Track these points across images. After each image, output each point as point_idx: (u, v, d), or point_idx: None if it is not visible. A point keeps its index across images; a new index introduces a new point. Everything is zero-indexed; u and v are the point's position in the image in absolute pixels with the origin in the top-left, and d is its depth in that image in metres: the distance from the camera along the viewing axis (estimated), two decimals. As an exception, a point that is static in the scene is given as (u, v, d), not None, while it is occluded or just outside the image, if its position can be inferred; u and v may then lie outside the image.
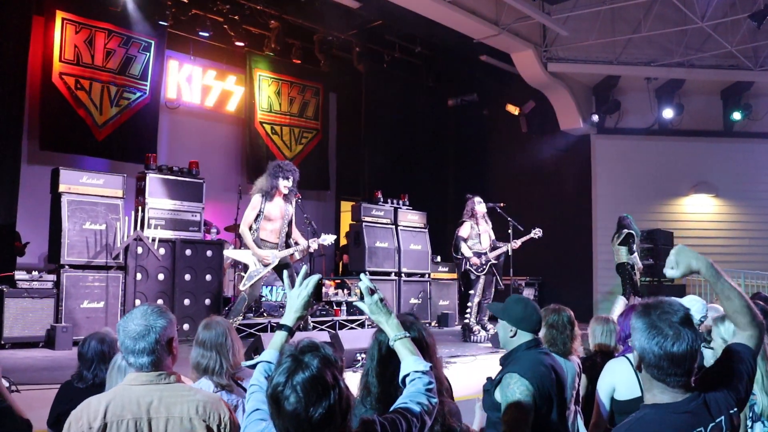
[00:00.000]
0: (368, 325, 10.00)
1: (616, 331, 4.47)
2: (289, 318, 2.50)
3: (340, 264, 13.22)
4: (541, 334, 3.99)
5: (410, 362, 2.38)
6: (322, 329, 8.32)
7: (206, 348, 3.45)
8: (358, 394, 2.64)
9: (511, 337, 3.27)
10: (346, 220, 13.73)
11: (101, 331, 3.80)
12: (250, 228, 7.52)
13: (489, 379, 3.29)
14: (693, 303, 5.08)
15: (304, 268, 2.61)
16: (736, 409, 2.15)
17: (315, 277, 2.56)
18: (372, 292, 2.49)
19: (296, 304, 2.51)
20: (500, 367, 3.32)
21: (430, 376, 2.35)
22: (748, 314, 2.28)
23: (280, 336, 2.46)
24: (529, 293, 13.37)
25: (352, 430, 1.96)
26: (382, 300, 2.50)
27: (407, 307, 11.25)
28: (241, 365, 3.55)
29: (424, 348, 2.59)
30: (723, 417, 2.11)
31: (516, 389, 3.03)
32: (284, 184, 7.54)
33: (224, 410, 2.48)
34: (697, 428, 2.06)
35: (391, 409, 2.22)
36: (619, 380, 3.70)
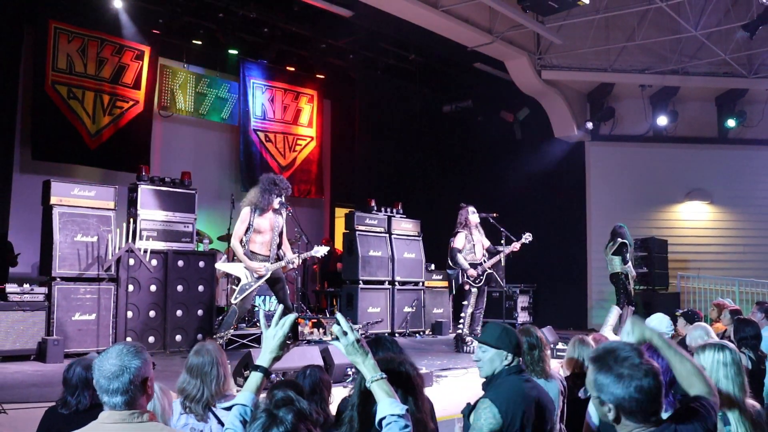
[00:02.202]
0: (362, 335, 10.01)
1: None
2: (264, 359, 2.50)
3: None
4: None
5: (386, 405, 2.37)
6: (312, 341, 8.34)
7: (192, 375, 3.51)
8: (341, 426, 2.63)
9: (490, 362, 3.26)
10: (340, 227, 13.72)
11: (87, 357, 3.81)
12: (241, 241, 7.52)
13: (468, 404, 3.28)
14: (660, 320, 5.13)
15: (280, 308, 2.60)
16: None
17: (291, 317, 2.55)
18: (346, 334, 2.49)
19: (272, 344, 2.51)
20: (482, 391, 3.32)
21: (406, 420, 2.34)
22: (701, 376, 2.35)
23: (255, 377, 2.46)
24: (523, 301, 13.37)
25: None
26: (358, 341, 2.49)
27: (401, 315, 11.25)
28: (228, 391, 3.57)
29: (412, 388, 2.58)
30: None
31: (482, 415, 3.02)
32: (278, 202, 7.56)
33: None
34: None
35: None
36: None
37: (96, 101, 10.93)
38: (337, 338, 2.52)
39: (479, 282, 9.47)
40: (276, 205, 7.62)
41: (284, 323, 2.51)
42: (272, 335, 2.51)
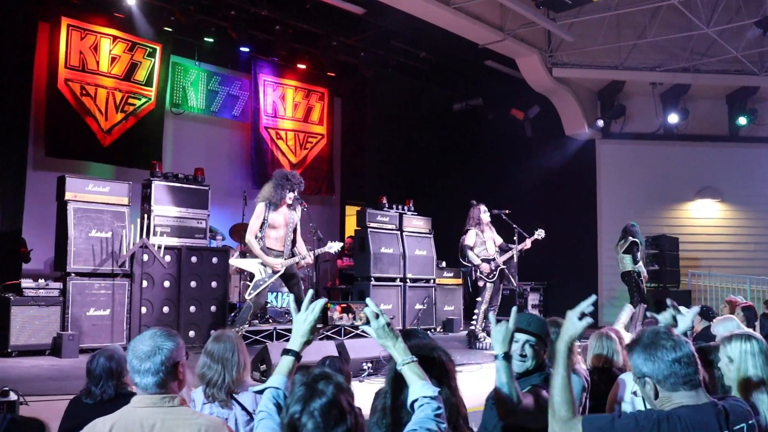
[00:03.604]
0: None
1: (618, 344, 4.46)
2: (295, 343, 2.51)
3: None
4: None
5: (418, 387, 2.38)
6: (328, 337, 8.36)
7: (213, 360, 3.52)
8: (373, 415, 2.65)
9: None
10: (350, 225, 13.75)
11: (109, 347, 3.83)
12: (256, 237, 7.55)
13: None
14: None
15: (310, 292, 2.61)
16: (753, 421, 2.34)
17: (321, 302, 2.57)
18: (377, 317, 2.51)
19: (303, 328, 2.52)
20: None
21: (438, 401, 2.35)
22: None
23: (287, 361, 2.47)
24: (534, 298, 13.37)
25: None
26: (388, 324, 2.51)
27: (412, 312, 11.25)
28: (244, 381, 3.57)
29: (445, 373, 2.59)
30: (744, 425, 2.31)
31: None
32: (291, 197, 7.58)
33: None
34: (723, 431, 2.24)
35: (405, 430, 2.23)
36: (627, 394, 3.73)
37: (108, 98, 10.96)
38: (367, 322, 2.54)
39: (492, 277, 9.47)
40: (289, 201, 7.64)
41: (314, 308, 2.53)
42: (303, 320, 2.53)
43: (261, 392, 2.39)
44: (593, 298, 2.68)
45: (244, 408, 3.48)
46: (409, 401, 2.39)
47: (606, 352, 4.35)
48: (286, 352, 2.49)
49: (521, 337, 3.14)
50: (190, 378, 3.18)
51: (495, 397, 2.84)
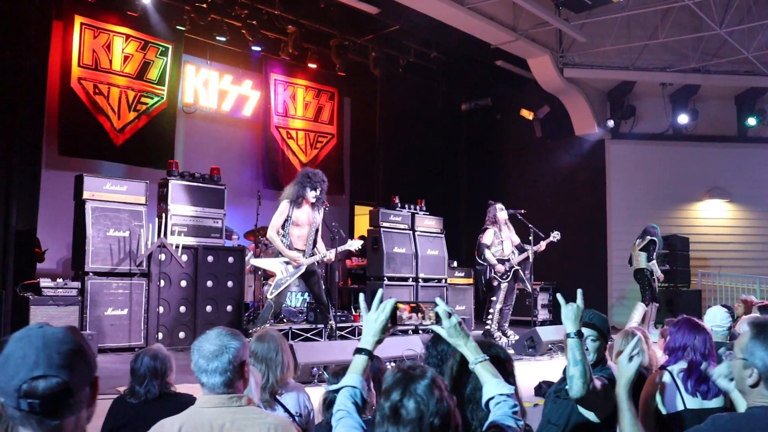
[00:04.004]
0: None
1: (644, 342, 4.48)
2: (368, 342, 2.50)
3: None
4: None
5: (494, 385, 2.38)
6: (342, 337, 8.36)
7: (256, 360, 3.46)
8: None
9: None
10: (359, 225, 13.73)
11: (153, 347, 3.84)
12: (278, 233, 7.55)
13: (545, 383, 3.32)
14: (713, 312, 5.12)
15: (380, 291, 2.61)
16: None
17: (391, 302, 2.56)
18: (450, 315, 2.51)
19: (374, 327, 2.51)
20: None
21: (514, 399, 2.35)
22: None
23: (361, 360, 2.46)
24: (543, 298, 13.38)
25: None
26: (460, 324, 2.51)
27: (424, 312, 11.22)
28: (287, 382, 3.55)
29: (508, 371, 2.59)
30: None
31: None
32: (312, 195, 7.59)
33: None
34: None
35: (486, 425, 2.23)
36: (666, 397, 3.73)
37: (121, 97, 10.93)
38: (436, 322, 2.54)
39: (506, 278, 9.49)
40: (312, 199, 7.65)
41: (385, 307, 2.53)
42: (374, 319, 2.52)
43: (337, 391, 2.39)
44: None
45: (286, 409, 3.46)
46: (483, 399, 2.39)
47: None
48: (359, 351, 2.48)
49: (583, 331, 3.15)
50: (259, 377, 3.16)
51: (569, 373, 2.87)
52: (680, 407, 3.63)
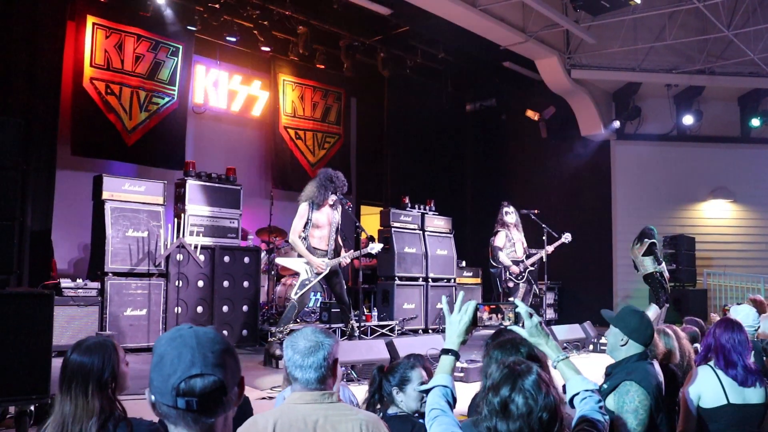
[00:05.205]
0: (398, 331, 10.08)
1: (676, 340, 4.57)
2: (453, 343, 2.57)
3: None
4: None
5: (578, 382, 2.46)
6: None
7: None
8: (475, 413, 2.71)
9: (622, 345, 3.39)
10: (366, 225, 13.72)
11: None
12: (300, 236, 7.59)
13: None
14: (745, 311, 5.23)
15: (461, 294, 2.68)
16: None
17: (472, 303, 2.64)
18: (531, 316, 2.57)
19: (458, 329, 2.59)
20: (604, 375, 3.45)
21: (598, 395, 2.42)
22: None
23: (448, 360, 2.53)
24: (549, 298, 13.48)
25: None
26: (540, 323, 2.58)
27: (434, 311, 11.31)
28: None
29: (543, 367, 2.64)
30: None
31: (635, 397, 3.14)
32: (333, 198, 7.65)
33: (384, 430, 2.53)
34: None
35: (575, 421, 2.30)
36: (704, 389, 3.84)
37: (132, 97, 10.91)
38: (515, 322, 2.60)
39: (521, 279, 9.57)
40: (331, 201, 7.71)
41: (467, 309, 2.60)
42: (458, 320, 2.60)
43: (427, 391, 2.44)
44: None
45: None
46: (568, 396, 2.46)
47: (665, 348, 4.46)
48: (446, 352, 2.55)
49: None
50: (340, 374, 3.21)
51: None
52: (722, 401, 3.75)
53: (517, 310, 2.60)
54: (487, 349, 2.97)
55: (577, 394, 2.43)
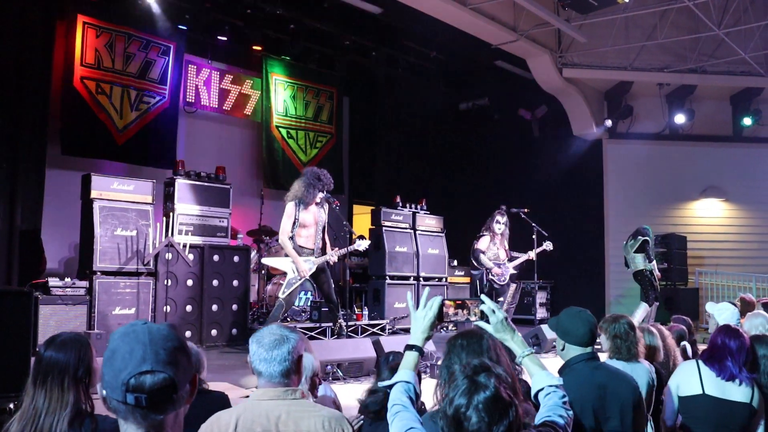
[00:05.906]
0: (389, 330, 10.08)
1: (660, 339, 4.59)
2: (418, 339, 2.59)
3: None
4: (606, 345, 4.09)
5: (542, 377, 2.47)
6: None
7: None
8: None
9: (561, 350, 3.33)
10: (358, 224, 13.77)
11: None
12: (288, 237, 7.60)
13: None
14: (727, 310, 5.24)
15: (427, 290, 2.69)
16: None
17: (438, 299, 2.65)
18: (494, 312, 2.59)
19: (423, 324, 2.60)
20: None
21: (563, 390, 2.43)
22: None
23: (412, 356, 2.54)
24: (541, 297, 13.49)
25: None
26: (506, 319, 2.59)
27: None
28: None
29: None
30: None
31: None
32: (320, 196, 7.66)
33: (347, 427, 2.53)
34: None
35: (537, 422, 2.29)
36: (682, 378, 3.91)
37: (123, 96, 10.91)
38: (482, 318, 2.61)
39: (503, 281, 9.62)
40: (318, 200, 7.71)
41: (432, 305, 2.61)
42: (422, 316, 2.61)
43: (390, 387, 2.45)
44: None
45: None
46: (533, 391, 2.47)
47: (648, 346, 4.47)
48: (410, 347, 2.56)
49: None
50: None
51: None
52: (697, 391, 3.79)
53: (481, 307, 2.61)
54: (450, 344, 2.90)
55: (542, 389, 2.44)
